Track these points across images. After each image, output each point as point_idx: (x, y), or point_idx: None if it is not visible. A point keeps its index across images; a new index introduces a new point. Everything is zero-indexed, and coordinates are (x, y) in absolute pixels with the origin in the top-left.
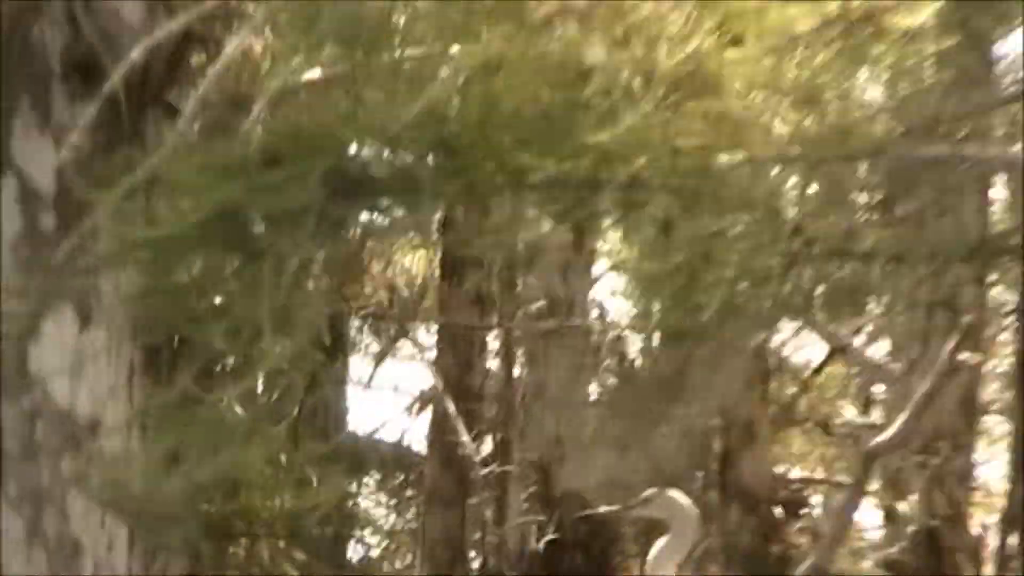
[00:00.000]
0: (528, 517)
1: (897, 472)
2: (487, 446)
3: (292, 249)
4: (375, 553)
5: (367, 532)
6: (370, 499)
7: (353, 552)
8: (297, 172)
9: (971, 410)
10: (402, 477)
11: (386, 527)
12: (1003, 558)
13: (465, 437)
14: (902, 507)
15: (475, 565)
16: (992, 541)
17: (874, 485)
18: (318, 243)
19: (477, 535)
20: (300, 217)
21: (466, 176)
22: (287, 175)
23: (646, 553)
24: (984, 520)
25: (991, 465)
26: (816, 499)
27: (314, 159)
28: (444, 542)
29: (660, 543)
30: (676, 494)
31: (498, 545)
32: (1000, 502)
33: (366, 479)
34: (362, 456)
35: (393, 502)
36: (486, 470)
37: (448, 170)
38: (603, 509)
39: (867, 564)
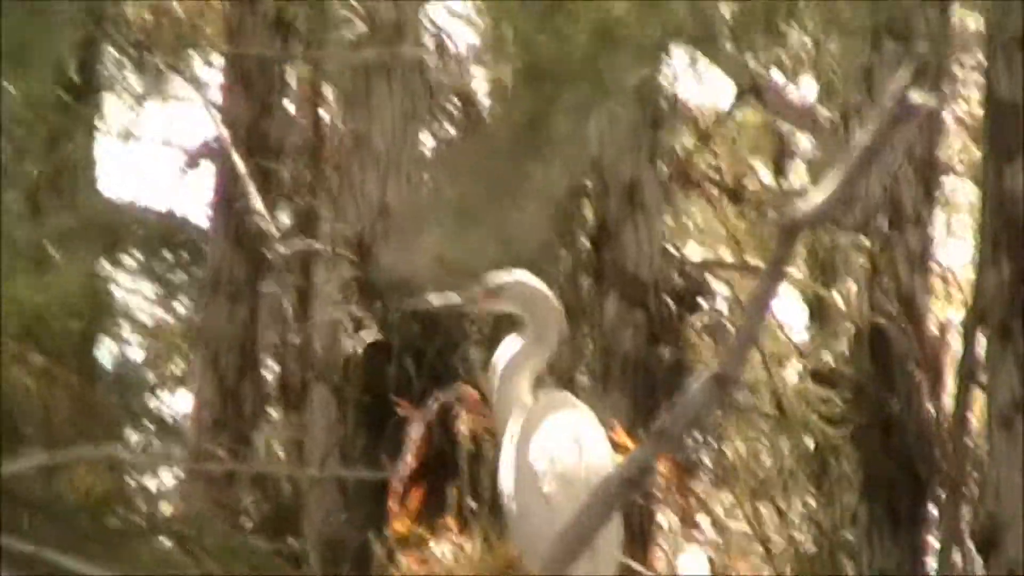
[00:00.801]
0: (341, 311)
1: (830, 253)
2: (287, 217)
3: None
4: (137, 356)
5: (127, 329)
6: (132, 286)
7: (108, 355)
8: None
9: (927, 172)
10: (174, 258)
11: (152, 323)
12: (968, 366)
13: (258, 205)
14: (837, 300)
15: (271, 375)
16: (954, 344)
17: (798, 270)
18: None
19: (274, 335)
20: None
21: None
22: None
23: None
24: (944, 317)
25: (953, 245)
26: (721, 288)
27: None
28: (229, 343)
29: (511, 344)
30: (534, 280)
31: (301, 348)
32: (965, 292)
33: (126, 260)
34: (120, 230)
35: (162, 291)
36: (286, 249)
37: None
38: (439, 301)
39: (790, 374)
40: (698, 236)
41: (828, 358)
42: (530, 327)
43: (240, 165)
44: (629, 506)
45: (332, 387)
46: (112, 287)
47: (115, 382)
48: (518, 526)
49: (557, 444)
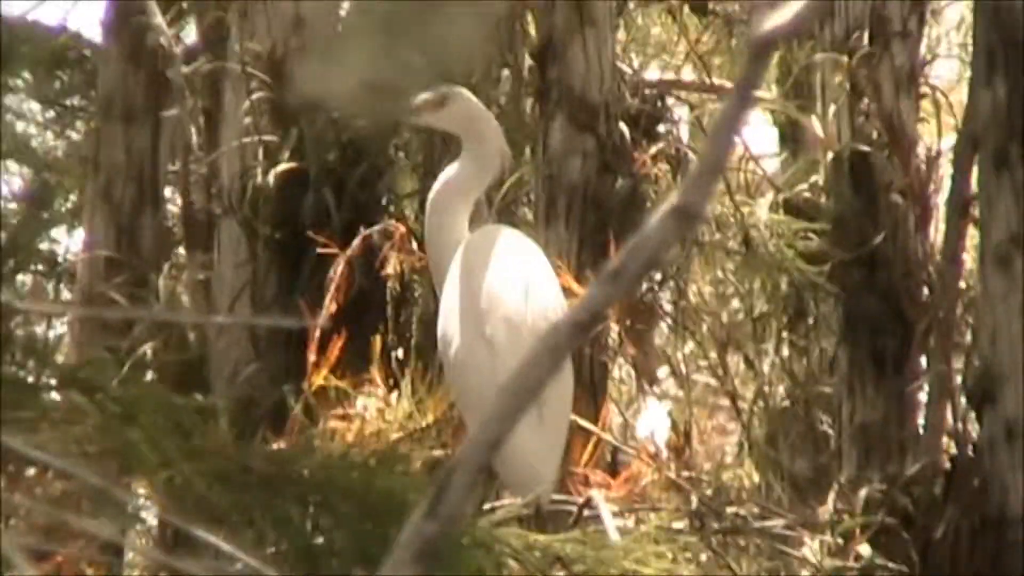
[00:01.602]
0: (253, 138)
1: (806, 72)
2: (192, 35)
3: None
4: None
5: (14, 160)
6: (20, 111)
7: None
8: None
9: None
10: (67, 77)
11: (43, 150)
12: (960, 197)
13: (159, 19)
14: (812, 122)
15: (172, 208)
16: (945, 169)
17: (767, 89)
18: None
19: (176, 162)
20: None
21: None
22: None
23: (426, 190)
24: (933, 143)
25: (943, 64)
26: (682, 111)
27: None
28: (126, 173)
29: (449, 170)
30: (471, 97)
31: (207, 178)
32: (956, 116)
33: (13, 80)
34: (7, 48)
35: (52, 113)
36: (188, 69)
37: None
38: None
39: (761, 206)
40: (656, 52)
41: (803, 189)
42: (468, 150)
43: None
44: (578, 357)
45: (241, 222)
46: None
47: None
48: (456, 376)
49: (501, 283)
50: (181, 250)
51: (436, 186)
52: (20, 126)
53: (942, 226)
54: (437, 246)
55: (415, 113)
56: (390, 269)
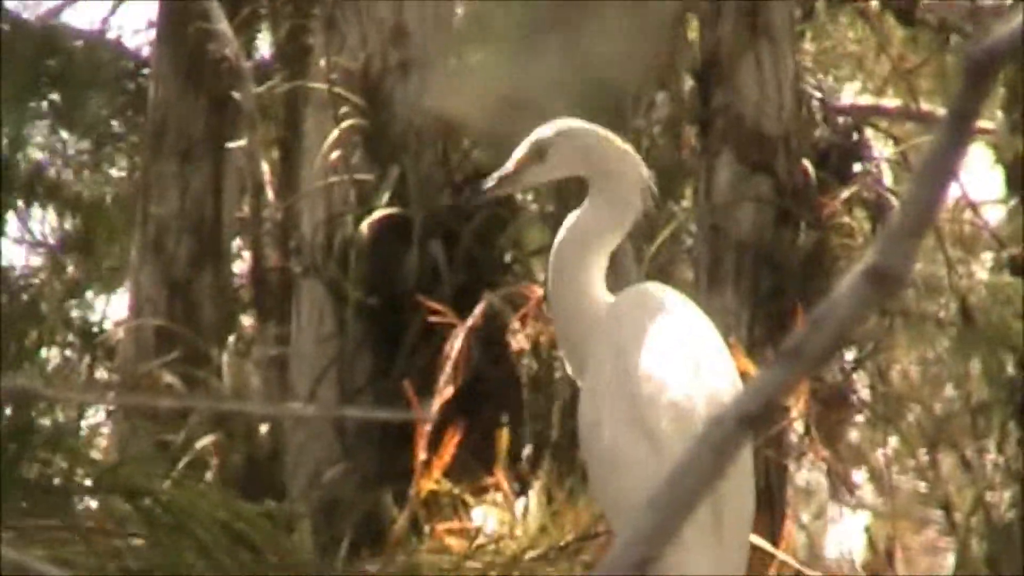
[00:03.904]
0: (342, 177)
1: None
2: (265, 47)
3: None
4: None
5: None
6: (44, 140)
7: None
8: None
9: None
10: (106, 98)
11: (74, 191)
12: None
13: (224, 26)
14: None
15: (239, 265)
16: None
17: (990, 118)
18: None
19: (244, 207)
20: None
21: None
22: None
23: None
24: None
25: None
26: (882, 145)
27: None
28: (182, 219)
29: (574, 216)
30: (581, 127)
31: (283, 228)
32: None
33: (37, 101)
34: (32, 61)
35: (86, 143)
36: (260, 89)
37: None
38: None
39: (983, 264)
40: (850, 71)
41: None
42: (596, 189)
43: None
44: (753, 458)
45: (327, 283)
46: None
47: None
48: (605, 480)
49: (663, 360)
50: (250, 319)
51: (560, 235)
52: (40, 155)
53: None
54: (566, 311)
55: (511, 181)
56: (518, 344)
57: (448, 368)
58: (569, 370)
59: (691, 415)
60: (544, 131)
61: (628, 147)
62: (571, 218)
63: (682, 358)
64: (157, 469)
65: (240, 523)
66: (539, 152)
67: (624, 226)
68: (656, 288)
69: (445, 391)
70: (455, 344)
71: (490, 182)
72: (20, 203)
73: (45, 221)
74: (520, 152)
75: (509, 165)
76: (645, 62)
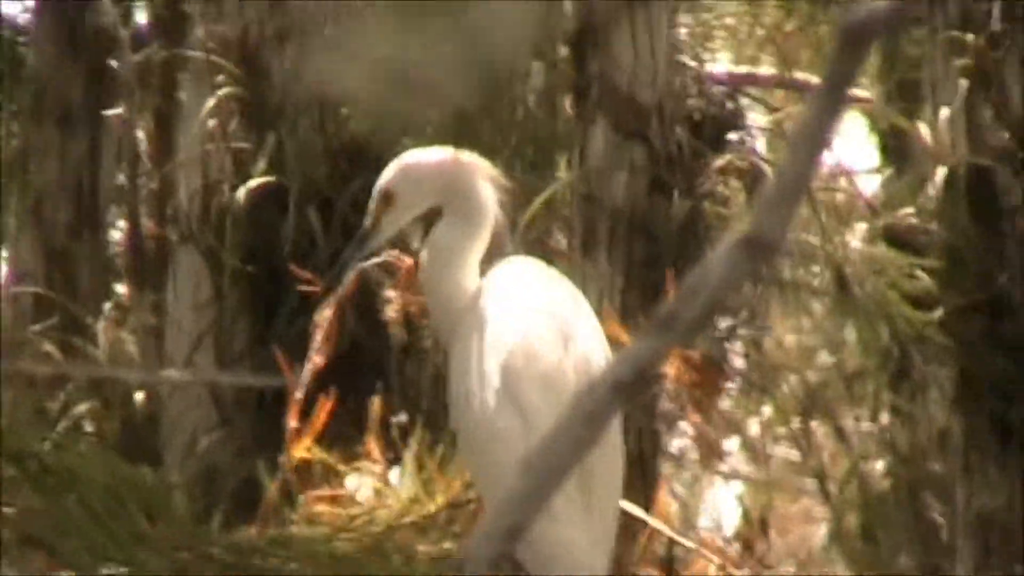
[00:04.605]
0: (218, 145)
1: (912, 65)
2: (143, 16)
3: None
4: None
5: None
6: None
7: None
8: None
9: None
10: None
11: None
12: None
13: None
14: (920, 129)
15: (116, 233)
16: None
17: (865, 87)
18: None
19: (121, 175)
20: None
21: None
22: None
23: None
24: None
25: None
26: (757, 114)
27: None
28: (61, 187)
29: (438, 234)
30: (414, 158)
31: (160, 195)
32: None
33: None
34: None
35: None
36: (138, 57)
37: None
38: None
39: (857, 234)
40: (724, 40)
41: (909, 214)
42: (452, 210)
43: None
44: (626, 427)
45: (203, 251)
46: None
47: None
48: (476, 449)
49: (533, 330)
50: (126, 287)
51: (425, 256)
52: None
53: None
54: (446, 315)
55: (373, 237)
56: (392, 313)
57: (317, 337)
58: (442, 341)
59: (561, 385)
60: (386, 175)
61: (472, 155)
62: (434, 234)
63: (552, 329)
64: (39, 434)
65: (123, 487)
66: (387, 199)
67: (485, 233)
68: (525, 261)
69: (318, 359)
70: (328, 313)
71: (353, 245)
72: None
73: None
74: (371, 204)
75: (366, 221)
76: (525, 31)
